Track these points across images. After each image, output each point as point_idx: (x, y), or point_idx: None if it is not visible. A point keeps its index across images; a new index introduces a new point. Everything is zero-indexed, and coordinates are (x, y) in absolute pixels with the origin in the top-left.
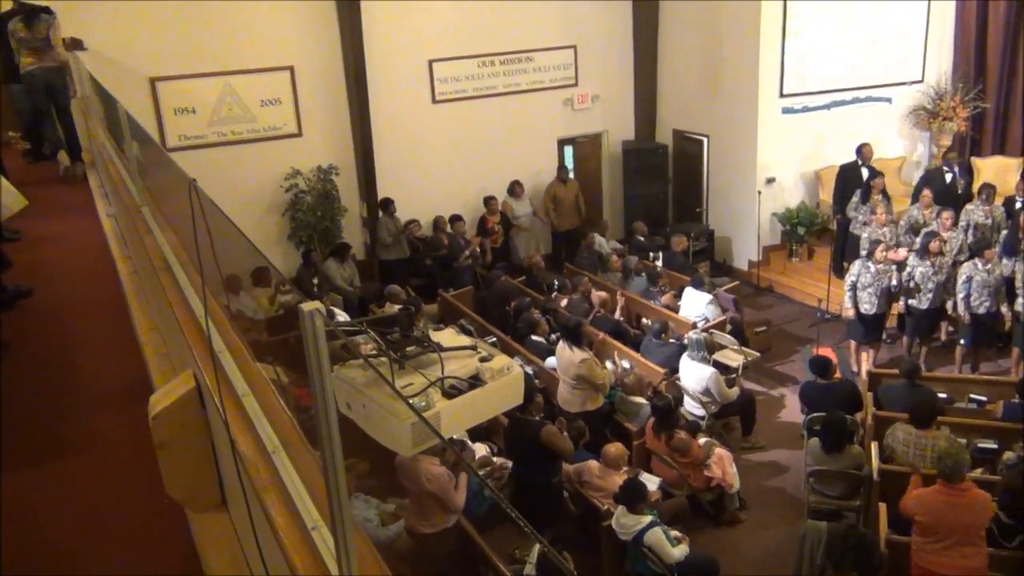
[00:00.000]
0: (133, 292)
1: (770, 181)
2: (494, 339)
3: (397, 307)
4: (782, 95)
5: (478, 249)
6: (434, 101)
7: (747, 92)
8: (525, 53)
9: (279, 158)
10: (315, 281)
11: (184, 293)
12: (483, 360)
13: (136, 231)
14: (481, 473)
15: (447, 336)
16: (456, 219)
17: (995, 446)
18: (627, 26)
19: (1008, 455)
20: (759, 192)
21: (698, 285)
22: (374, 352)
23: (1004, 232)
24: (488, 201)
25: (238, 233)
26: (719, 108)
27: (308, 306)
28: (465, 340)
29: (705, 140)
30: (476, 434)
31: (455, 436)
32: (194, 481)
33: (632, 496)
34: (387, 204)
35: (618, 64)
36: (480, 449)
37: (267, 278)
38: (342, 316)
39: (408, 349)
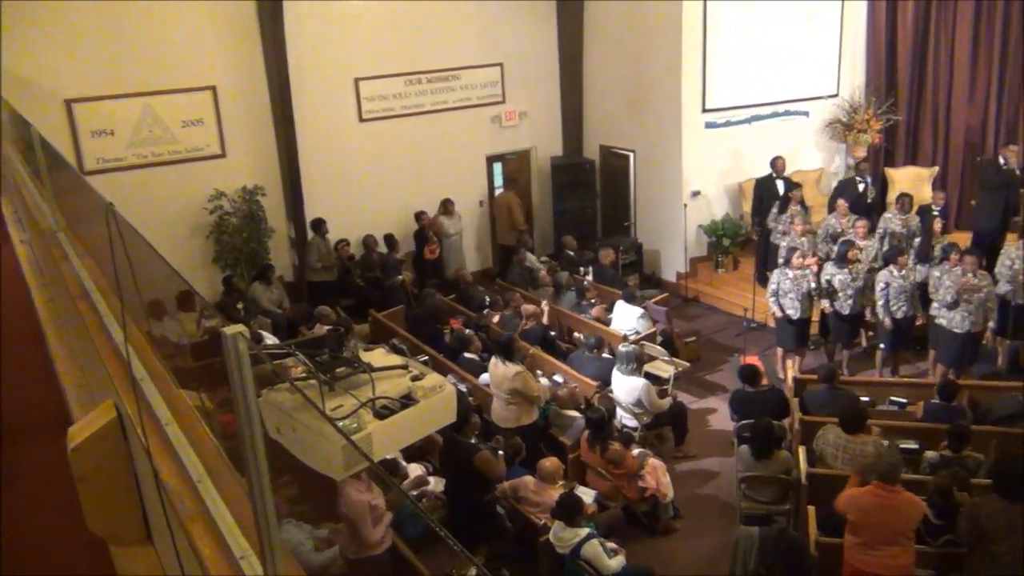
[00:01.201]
0: (50, 321)
1: (695, 194)
2: (426, 358)
3: (327, 328)
4: (704, 110)
5: (408, 276)
6: (361, 120)
7: (671, 108)
8: (452, 71)
9: (202, 179)
10: (239, 305)
11: (103, 321)
12: (415, 379)
13: (52, 258)
14: (416, 493)
15: (378, 356)
16: (391, 239)
17: (916, 446)
18: (552, 44)
19: (930, 454)
20: (685, 205)
21: (630, 299)
22: (304, 375)
23: (918, 240)
24: (419, 216)
25: (158, 257)
26: (644, 123)
27: (231, 330)
28: (396, 359)
29: (631, 155)
30: (410, 453)
31: (388, 456)
32: (117, 515)
33: (569, 510)
34: (319, 225)
35: (544, 81)
36: (415, 469)
37: (192, 302)
38: (271, 339)
39: (338, 370)
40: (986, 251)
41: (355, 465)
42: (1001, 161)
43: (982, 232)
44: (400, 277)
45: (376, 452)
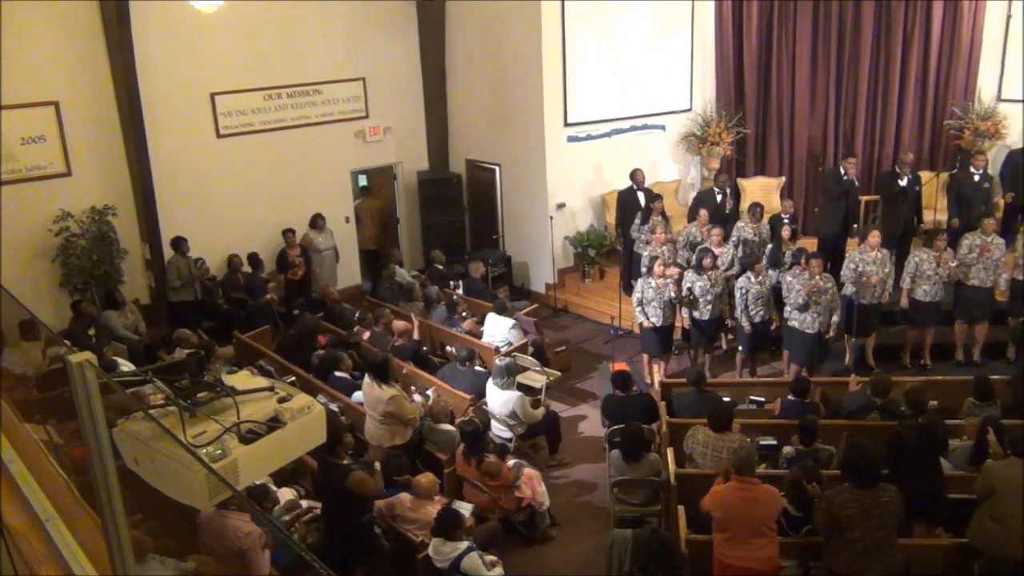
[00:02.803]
0: None
1: (560, 206)
2: (293, 378)
3: (187, 352)
4: (567, 124)
5: (275, 296)
6: (219, 136)
7: (534, 122)
8: (313, 86)
9: (46, 200)
10: (91, 332)
11: None
12: (282, 401)
13: None
14: (288, 517)
15: (242, 379)
16: (255, 258)
17: (775, 442)
18: (415, 59)
19: (787, 449)
20: (551, 217)
21: (501, 311)
22: (164, 401)
23: (770, 246)
24: (286, 233)
25: None
26: (509, 138)
27: (77, 358)
28: (262, 381)
29: (497, 168)
30: (282, 477)
31: (258, 481)
32: None
33: (448, 524)
34: (179, 243)
35: (408, 96)
36: (286, 493)
37: (36, 331)
38: (126, 366)
39: (199, 395)
40: (830, 255)
41: (220, 493)
42: (841, 172)
43: (826, 238)
44: (268, 296)
45: (243, 478)
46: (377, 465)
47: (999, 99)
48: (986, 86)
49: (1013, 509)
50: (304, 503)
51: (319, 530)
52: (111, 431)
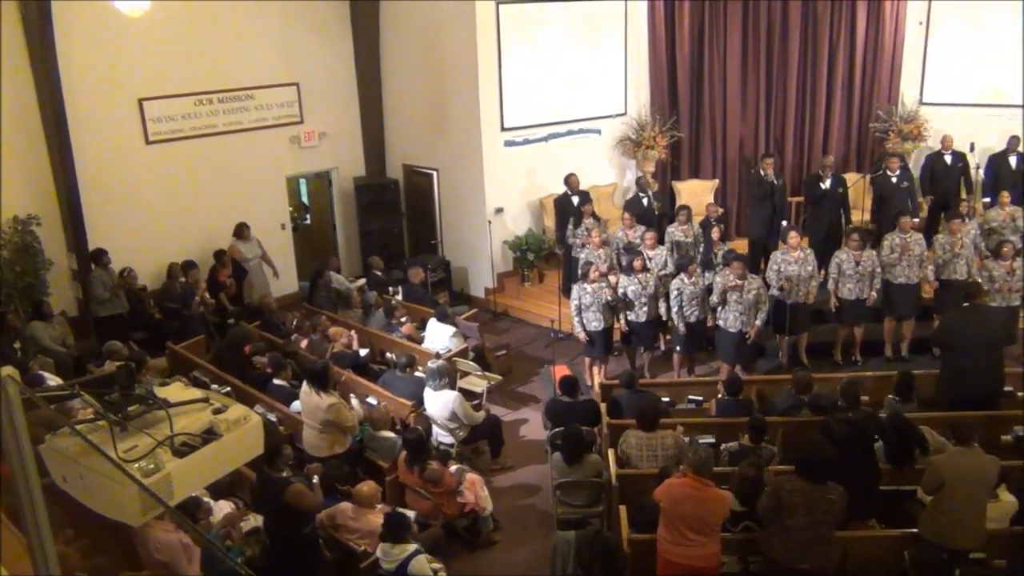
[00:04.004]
0: None
1: (499, 211)
2: (228, 388)
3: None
4: (503, 129)
5: (208, 297)
6: (148, 142)
7: (470, 127)
8: (245, 91)
9: None
10: (16, 345)
11: None
12: (217, 412)
13: None
14: (224, 531)
15: (175, 390)
16: (190, 266)
17: (713, 440)
18: (349, 64)
19: (729, 445)
20: (489, 222)
21: (442, 318)
22: (93, 416)
23: (702, 248)
24: (220, 255)
25: None
26: (446, 143)
27: None
28: (196, 393)
29: (435, 173)
30: (219, 490)
31: (194, 495)
32: None
33: (396, 528)
34: (99, 256)
35: (343, 101)
36: (224, 506)
37: None
38: (54, 380)
39: (130, 409)
40: (760, 256)
41: (154, 509)
42: (762, 173)
43: (755, 239)
44: (197, 298)
45: (177, 492)
46: (316, 478)
47: (921, 102)
48: (908, 90)
49: (962, 498)
50: (242, 516)
51: (260, 543)
52: (37, 448)
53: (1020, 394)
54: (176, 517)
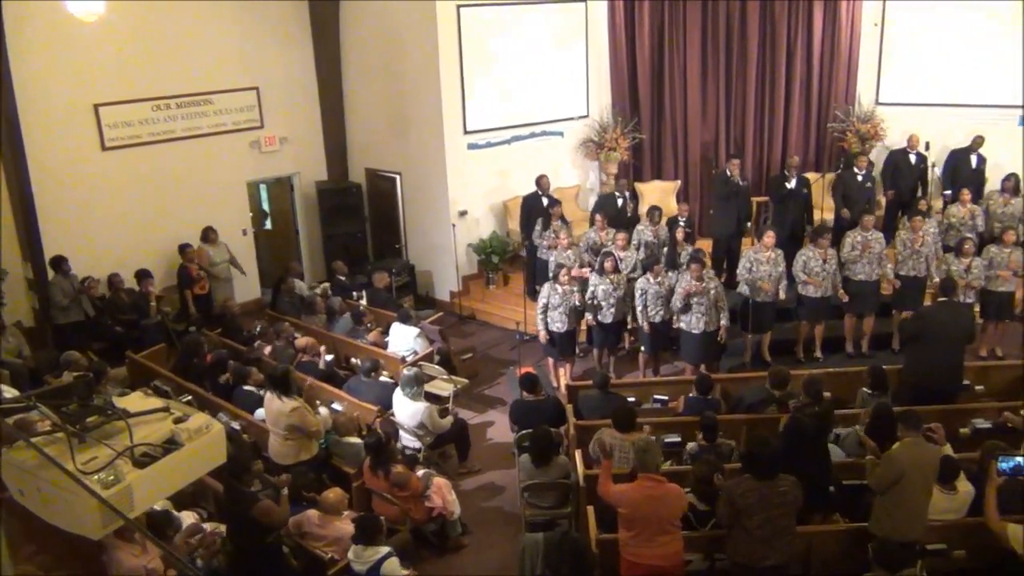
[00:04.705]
0: None
1: (463, 214)
2: (190, 397)
3: (75, 375)
4: (466, 132)
5: (165, 307)
6: (104, 148)
7: (433, 130)
8: (203, 95)
9: None
10: None
11: None
12: (178, 421)
13: None
14: (189, 543)
15: (135, 400)
16: (144, 275)
17: (679, 439)
18: (310, 68)
19: (690, 445)
20: (453, 225)
21: (405, 320)
22: (51, 428)
23: (667, 248)
24: (184, 249)
25: None
26: (408, 146)
27: None
28: (156, 402)
29: (398, 177)
30: (183, 500)
31: (157, 507)
32: None
33: (369, 530)
34: (59, 263)
35: (304, 105)
36: (188, 517)
37: None
38: (9, 392)
39: (89, 420)
40: (724, 255)
41: (114, 521)
42: (728, 173)
43: (720, 239)
44: (152, 305)
45: (139, 503)
46: (284, 490)
47: (877, 103)
48: (865, 91)
49: (917, 488)
50: (207, 526)
51: (226, 553)
52: None
53: (979, 388)
54: (138, 529)
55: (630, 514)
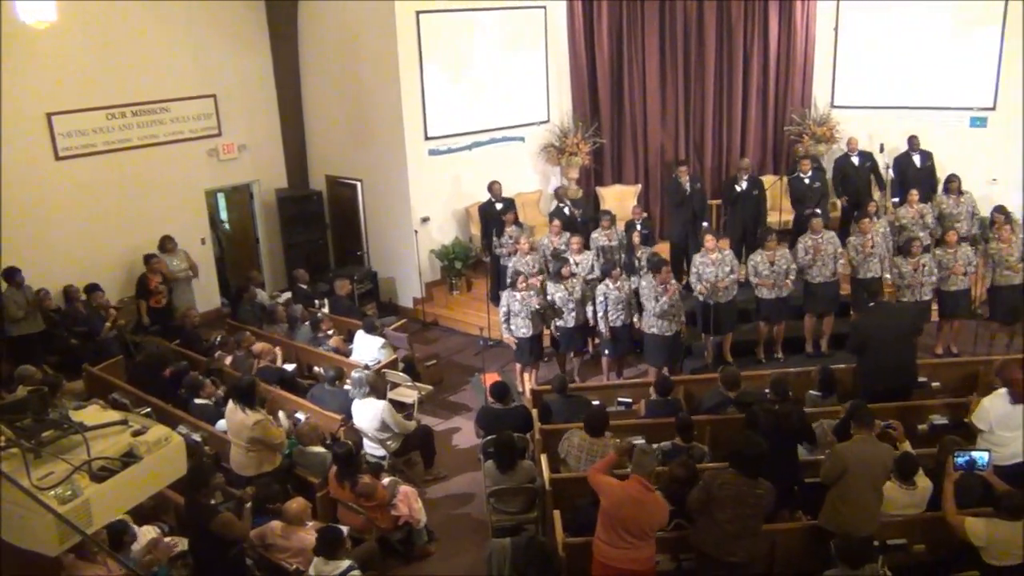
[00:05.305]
0: None
1: (425, 220)
2: (148, 409)
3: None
4: (427, 138)
5: (120, 320)
6: (58, 158)
7: (394, 137)
8: (159, 103)
9: None
10: None
11: None
12: (137, 434)
13: None
14: (149, 558)
15: (92, 413)
16: (93, 288)
17: (643, 441)
18: (268, 75)
19: (662, 444)
20: (416, 231)
21: (370, 329)
22: (4, 443)
23: (624, 253)
24: (148, 259)
25: None
26: (369, 153)
27: None
28: (114, 415)
29: (359, 184)
30: (143, 514)
31: (120, 519)
32: None
33: (331, 542)
34: (12, 274)
35: (263, 113)
36: (148, 532)
37: None
38: None
39: (45, 434)
40: (681, 259)
41: (71, 538)
42: (678, 180)
43: (676, 243)
44: (107, 325)
45: (97, 518)
46: (248, 504)
47: (832, 106)
48: (820, 94)
49: (864, 484)
50: (167, 539)
51: (187, 566)
52: None
53: (935, 385)
54: (96, 544)
55: (610, 510)
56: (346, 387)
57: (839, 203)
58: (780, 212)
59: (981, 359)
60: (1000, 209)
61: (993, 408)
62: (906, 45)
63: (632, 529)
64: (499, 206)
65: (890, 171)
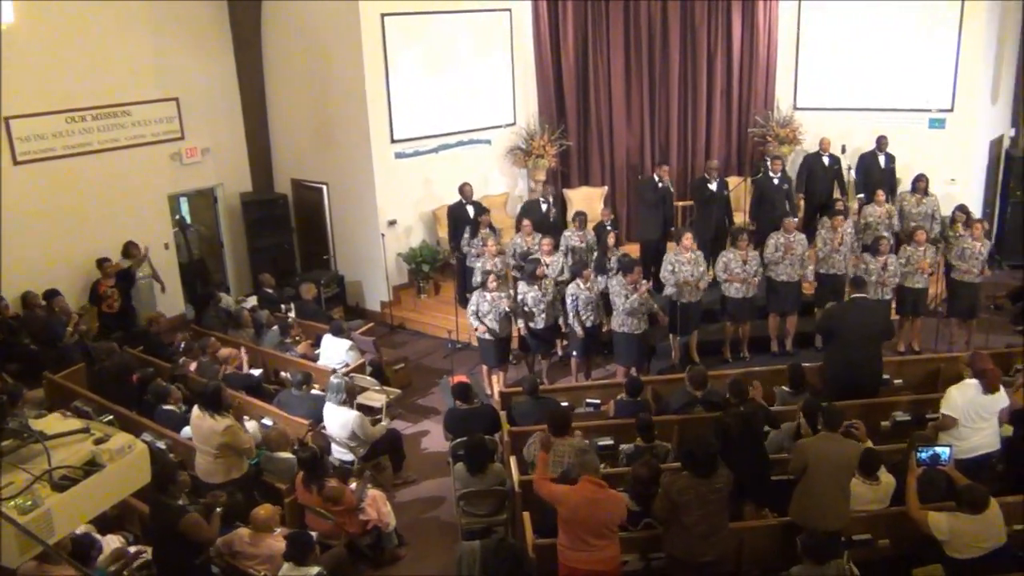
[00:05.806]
0: None
1: (392, 223)
2: (111, 417)
3: None
4: (393, 141)
5: (82, 326)
6: (16, 163)
7: (359, 139)
8: (121, 107)
9: None
10: None
11: None
12: (99, 442)
13: None
14: (114, 568)
15: (53, 422)
16: (53, 294)
17: (612, 442)
18: (231, 77)
19: (625, 447)
20: (383, 235)
21: (337, 332)
22: None
23: (596, 253)
24: (101, 263)
25: None
26: (335, 156)
27: None
28: (75, 424)
29: (325, 187)
30: (105, 524)
31: (79, 531)
32: None
33: (300, 548)
34: None
35: (226, 116)
36: (113, 541)
37: None
38: None
39: (4, 444)
40: (652, 259)
41: (32, 548)
42: (656, 179)
43: (647, 243)
44: (69, 331)
45: (59, 528)
46: (219, 510)
47: (795, 107)
48: (783, 96)
49: (825, 480)
50: (132, 549)
51: (152, 573)
52: None
53: (897, 382)
54: (58, 555)
55: (568, 516)
56: (313, 391)
57: (800, 202)
58: (744, 213)
59: (943, 356)
60: (962, 208)
61: (962, 396)
62: (866, 48)
63: (593, 530)
64: (470, 208)
65: (852, 171)
